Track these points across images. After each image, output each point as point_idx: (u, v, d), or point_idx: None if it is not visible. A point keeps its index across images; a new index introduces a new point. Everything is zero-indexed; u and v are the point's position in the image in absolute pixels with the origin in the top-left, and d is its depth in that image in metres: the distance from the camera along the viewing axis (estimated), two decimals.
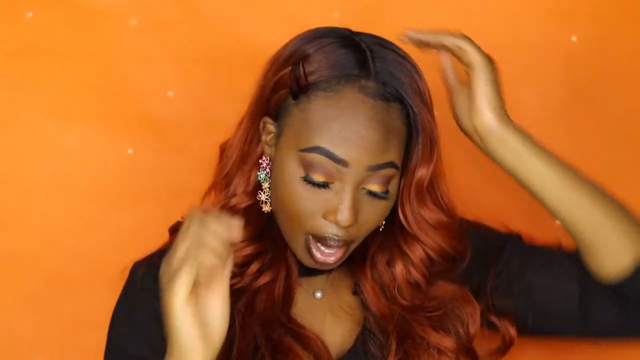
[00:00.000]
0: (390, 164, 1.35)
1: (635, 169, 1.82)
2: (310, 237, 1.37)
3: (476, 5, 1.81)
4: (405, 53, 1.38)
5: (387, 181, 1.36)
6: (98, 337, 1.75)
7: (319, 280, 1.45)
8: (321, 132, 1.32)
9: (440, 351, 1.41)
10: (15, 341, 1.76)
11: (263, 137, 1.41)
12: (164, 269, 1.21)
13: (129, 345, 1.38)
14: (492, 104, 1.37)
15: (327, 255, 1.37)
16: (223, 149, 1.47)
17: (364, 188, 1.35)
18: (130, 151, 1.78)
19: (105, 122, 1.77)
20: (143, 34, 1.78)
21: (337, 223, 1.34)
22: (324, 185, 1.34)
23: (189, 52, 1.79)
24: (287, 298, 1.40)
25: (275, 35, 1.79)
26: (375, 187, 1.35)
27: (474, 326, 1.44)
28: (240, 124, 1.45)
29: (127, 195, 1.77)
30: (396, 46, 1.39)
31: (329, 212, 1.34)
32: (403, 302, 1.43)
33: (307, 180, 1.33)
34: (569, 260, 1.45)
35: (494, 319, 1.46)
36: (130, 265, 1.44)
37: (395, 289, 1.44)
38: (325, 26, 1.41)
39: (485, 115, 1.37)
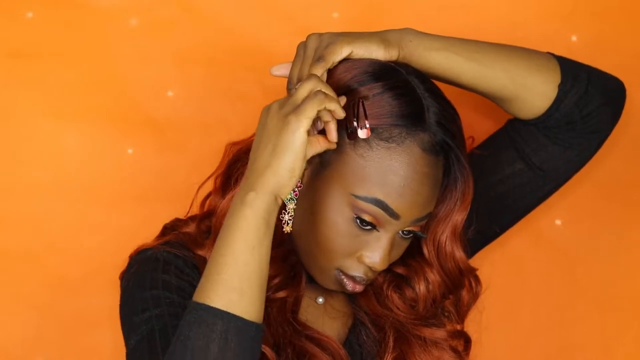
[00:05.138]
0: (429, 214, 1.39)
1: (636, 168, 1.82)
2: (340, 272, 1.39)
3: (476, 5, 1.81)
4: (445, 95, 1.41)
5: (421, 226, 1.40)
6: (98, 337, 1.76)
7: (320, 285, 1.46)
8: (381, 185, 1.34)
9: (435, 344, 1.46)
10: (15, 341, 1.76)
11: None
12: (281, 104, 1.29)
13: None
14: (383, 44, 1.39)
15: (356, 285, 1.41)
16: (237, 151, 1.46)
17: (398, 232, 1.39)
18: (130, 151, 1.78)
19: (105, 122, 1.77)
20: (143, 34, 1.78)
21: (371, 266, 1.38)
22: (369, 229, 1.36)
23: (189, 52, 1.79)
24: (296, 308, 1.43)
25: (276, 35, 1.80)
26: (411, 229, 1.39)
27: (464, 292, 1.50)
28: None
29: (127, 195, 1.77)
30: (437, 87, 1.41)
31: (364, 255, 1.38)
32: (397, 311, 1.48)
33: (355, 222, 1.35)
34: (492, 142, 1.55)
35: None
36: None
37: (390, 299, 1.48)
38: (378, 60, 1.40)
39: (388, 55, 1.40)
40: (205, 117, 1.79)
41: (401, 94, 1.36)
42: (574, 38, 1.81)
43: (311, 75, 1.32)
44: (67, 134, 1.76)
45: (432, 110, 1.36)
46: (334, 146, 1.33)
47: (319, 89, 1.29)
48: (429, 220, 1.43)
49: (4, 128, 1.76)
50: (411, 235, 1.40)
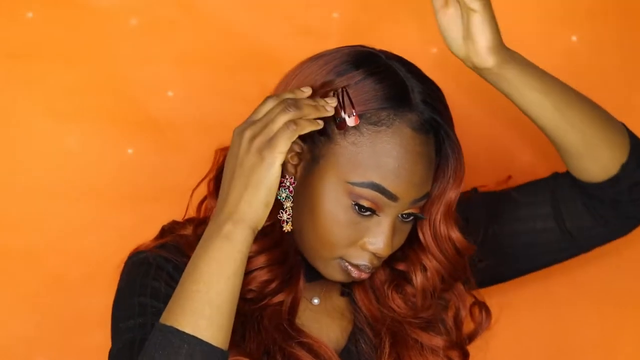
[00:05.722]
0: (427, 194, 1.39)
1: None
2: (343, 260, 1.39)
3: None
4: (426, 75, 1.39)
5: (420, 207, 1.39)
6: (98, 337, 1.75)
7: (316, 286, 1.47)
8: (376, 168, 1.33)
9: (432, 351, 1.46)
10: (15, 341, 1.76)
11: None
12: (253, 133, 1.29)
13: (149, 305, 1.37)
14: (493, 45, 1.38)
15: (362, 273, 1.40)
16: (221, 155, 1.46)
17: (398, 216, 1.38)
18: (130, 151, 1.78)
19: (105, 122, 1.77)
20: (143, 34, 1.78)
21: (375, 253, 1.37)
22: (369, 215, 1.35)
23: (189, 52, 1.79)
24: (293, 310, 1.43)
25: (276, 35, 1.80)
26: (411, 211, 1.38)
27: (463, 311, 1.50)
28: None
29: (127, 195, 1.77)
30: (418, 68, 1.40)
31: (367, 242, 1.37)
32: (397, 309, 1.47)
33: (356, 209, 1.35)
34: (532, 192, 1.54)
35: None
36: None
37: (390, 298, 1.47)
38: (355, 49, 1.39)
39: (484, 57, 1.38)
40: (205, 117, 1.79)
41: (384, 77, 1.35)
42: (574, 38, 1.81)
43: (287, 104, 1.30)
44: (67, 134, 1.76)
45: (417, 90, 1.36)
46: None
47: (291, 119, 1.28)
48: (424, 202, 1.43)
49: (4, 128, 1.76)
50: (412, 218, 1.39)
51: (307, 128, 1.29)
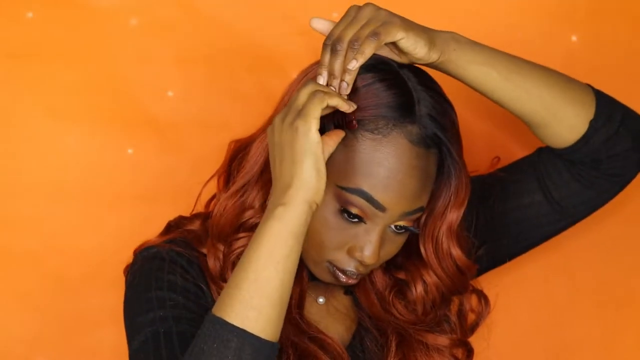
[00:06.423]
0: (421, 209, 1.37)
1: None
2: (331, 264, 1.38)
3: (476, 5, 1.81)
4: (442, 90, 1.39)
5: (413, 220, 1.38)
6: (98, 337, 1.76)
7: (320, 285, 1.47)
8: (366, 176, 1.32)
9: (438, 350, 1.46)
10: (15, 341, 1.76)
11: None
12: (282, 116, 1.28)
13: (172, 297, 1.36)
14: (427, 50, 1.35)
15: (349, 279, 1.39)
16: (234, 148, 1.45)
17: (390, 226, 1.37)
18: (130, 151, 1.78)
19: (105, 122, 1.77)
20: (143, 34, 1.78)
21: (361, 260, 1.36)
22: (357, 222, 1.35)
23: (189, 52, 1.79)
24: (301, 304, 1.43)
25: (276, 35, 1.80)
26: (403, 224, 1.37)
27: (467, 304, 1.50)
28: (263, 129, 1.43)
29: (127, 195, 1.77)
30: (434, 81, 1.39)
31: (354, 249, 1.36)
32: (399, 316, 1.47)
33: (342, 214, 1.34)
34: (517, 169, 1.54)
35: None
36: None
37: (391, 304, 1.47)
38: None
39: (428, 58, 1.36)
40: (205, 117, 1.79)
41: (390, 85, 1.34)
42: (574, 38, 1.81)
43: (308, 81, 1.30)
44: (67, 134, 1.76)
45: (424, 103, 1.35)
46: (342, 134, 1.32)
47: (315, 89, 1.28)
48: (427, 216, 1.42)
49: (4, 128, 1.76)
50: (404, 230, 1.38)
51: (336, 99, 1.28)
